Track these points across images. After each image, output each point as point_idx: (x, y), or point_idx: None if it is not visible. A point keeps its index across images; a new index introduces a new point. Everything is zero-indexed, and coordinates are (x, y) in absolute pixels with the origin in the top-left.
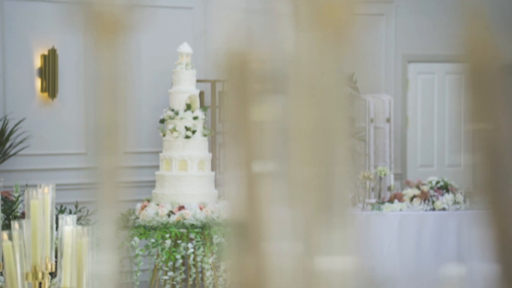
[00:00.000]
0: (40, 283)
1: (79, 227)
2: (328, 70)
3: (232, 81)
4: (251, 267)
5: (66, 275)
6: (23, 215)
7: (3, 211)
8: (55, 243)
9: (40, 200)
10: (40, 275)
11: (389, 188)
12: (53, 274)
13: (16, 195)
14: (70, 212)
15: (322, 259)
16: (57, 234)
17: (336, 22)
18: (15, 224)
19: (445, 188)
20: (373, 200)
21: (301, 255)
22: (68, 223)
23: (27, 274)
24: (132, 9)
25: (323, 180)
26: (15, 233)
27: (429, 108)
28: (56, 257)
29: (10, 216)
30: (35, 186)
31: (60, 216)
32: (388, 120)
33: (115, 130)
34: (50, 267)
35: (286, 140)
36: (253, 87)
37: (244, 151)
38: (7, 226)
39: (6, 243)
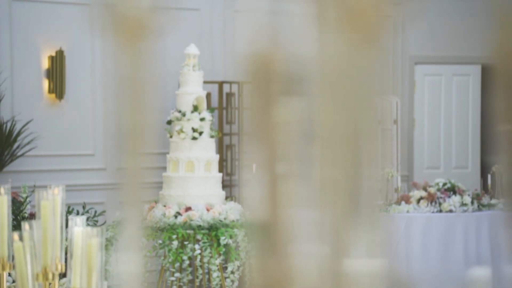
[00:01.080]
0: (49, 284)
1: (89, 228)
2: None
3: (256, 83)
4: (275, 269)
5: (76, 276)
6: (31, 216)
7: (12, 212)
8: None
9: (50, 201)
10: (50, 275)
11: (396, 190)
12: (61, 275)
13: (24, 195)
14: (78, 213)
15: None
16: (66, 235)
17: (367, 23)
18: (25, 225)
19: (452, 190)
20: (379, 202)
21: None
22: (78, 224)
23: (37, 275)
24: (156, 12)
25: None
26: (25, 234)
27: (436, 110)
28: (66, 258)
29: (18, 217)
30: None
31: (70, 217)
32: (395, 122)
33: (139, 132)
34: (60, 268)
35: (310, 141)
36: (277, 88)
37: (267, 152)
38: (15, 227)
39: (17, 243)
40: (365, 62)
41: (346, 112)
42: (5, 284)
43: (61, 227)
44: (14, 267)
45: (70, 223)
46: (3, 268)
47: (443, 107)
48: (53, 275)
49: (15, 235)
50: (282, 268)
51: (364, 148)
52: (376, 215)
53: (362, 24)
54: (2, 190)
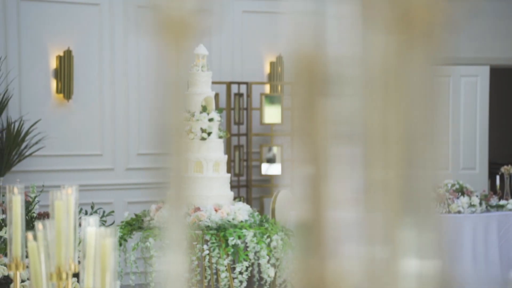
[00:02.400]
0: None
1: (103, 228)
2: (408, 71)
3: (300, 83)
4: (318, 271)
5: (89, 276)
6: (39, 216)
7: None
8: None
9: (64, 201)
10: (64, 275)
11: None
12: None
13: (33, 195)
14: (86, 213)
15: (405, 262)
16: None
17: (424, 23)
18: (38, 225)
19: (460, 191)
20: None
21: (379, 258)
22: (91, 224)
23: (51, 275)
24: (202, 14)
25: (405, 182)
26: (40, 234)
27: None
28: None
29: (27, 217)
30: (52, 187)
31: (83, 217)
32: None
33: (181, 131)
34: (74, 268)
35: (355, 142)
36: (322, 89)
37: (312, 152)
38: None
39: (32, 243)
40: (415, 62)
41: (398, 112)
42: (18, 283)
43: (75, 227)
44: (27, 266)
45: (83, 223)
46: (17, 268)
47: (451, 108)
48: (67, 274)
49: (30, 235)
50: (329, 270)
51: (418, 148)
52: (431, 216)
53: (412, 23)
54: (16, 190)
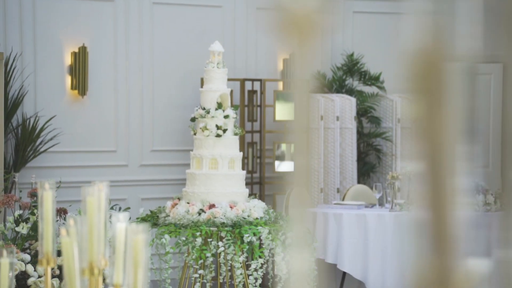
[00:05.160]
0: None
1: (134, 225)
2: None
3: (422, 82)
4: (437, 269)
5: (119, 272)
6: (57, 212)
7: (37, 208)
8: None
9: (96, 197)
10: (96, 271)
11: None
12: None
13: None
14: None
15: None
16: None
17: None
18: (70, 221)
19: (474, 189)
20: (401, 201)
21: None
22: (121, 220)
23: (83, 270)
24: (324, 12)
25: None
26: (72, 230)
27: None
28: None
29: None
30: (66, 183)
31: (112, 213)
32: None
33: (306, 131)
34: (104, 263)
35: (477, 140)
36: (443, 87)
37: (433, 149)
38: None
39: (65, 239)
40: None
41: None
42: (49, 278)
43: (105, 223)
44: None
45: (113, 219)
46: (48, 263)
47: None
48: (99, 270)
49: (63, 231)
50: (452, 269)
51: None
52: None
53: None
54: (47, 186)
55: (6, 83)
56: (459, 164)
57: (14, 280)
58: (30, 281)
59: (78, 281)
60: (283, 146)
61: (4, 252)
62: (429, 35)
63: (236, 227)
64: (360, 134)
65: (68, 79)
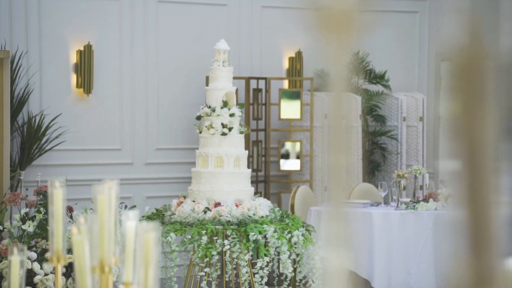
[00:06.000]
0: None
1: (145, 223)
2: None
3: (459, 79)
4: (476, 269)
5: (128, 270)
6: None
7: (43, 206)
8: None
9: (106, 195)
10: (107, 269)
11: (421, 187)
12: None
13: None
14: None
15: None
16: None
17: None
18: (80, 219)
19: None
20: (406, 199)
21: None
22: (131, 218)
23: (94, 268)
24: (364, 12)
25: None
26: (83, 228)
27: None
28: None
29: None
30: (72, 181)
31: (122, 211)
32: (421, 119)
33: (344, 130)
34: (115, 261)
35: None
36: (482, 85)
37: (472, 147)
38: (47, 221)
39: (77, 237)
40: None
41: None
42: (59, 276)
43: (115, 221)
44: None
45: (123, 217)
46: (59, 261)
47: None
48: (110, 268)
49: (75, 229)
50: (489, 268)
51: None
52: None
53: None
54: (57, 184)
55: (12, 81)
56: (498, 162)
57: (24, 278)
58: (36, 279)
59: (89, 280)
60: (288, 145)
61: (15, 250)
62: (468, 33)
63: (242, 226)
64: (365, 132)
65: (74, 78)
